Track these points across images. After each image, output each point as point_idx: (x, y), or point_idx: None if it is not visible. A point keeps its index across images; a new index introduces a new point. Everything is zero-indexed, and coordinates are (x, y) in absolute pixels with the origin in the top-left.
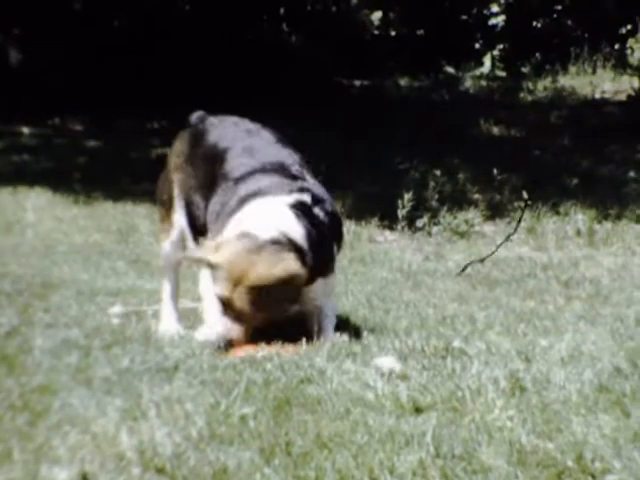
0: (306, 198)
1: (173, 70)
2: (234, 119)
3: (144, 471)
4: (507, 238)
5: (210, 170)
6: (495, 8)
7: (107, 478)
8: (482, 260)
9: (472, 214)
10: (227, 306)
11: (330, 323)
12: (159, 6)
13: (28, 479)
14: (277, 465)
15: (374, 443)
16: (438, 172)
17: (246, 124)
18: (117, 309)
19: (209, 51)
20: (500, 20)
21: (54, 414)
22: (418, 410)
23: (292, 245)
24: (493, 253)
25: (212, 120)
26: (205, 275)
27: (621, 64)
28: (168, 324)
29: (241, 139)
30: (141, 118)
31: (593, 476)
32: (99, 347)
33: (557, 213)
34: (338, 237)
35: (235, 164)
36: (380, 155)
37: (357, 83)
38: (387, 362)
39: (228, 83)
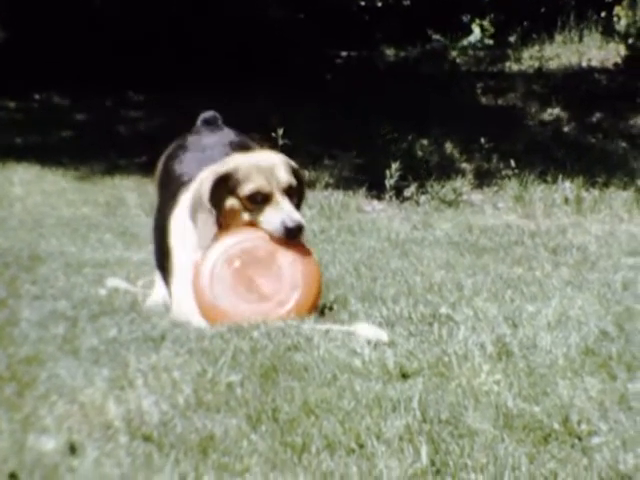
0: None
1: (156, 45)
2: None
3: (131, 439)
4: None
5: None
6: None
7: (95, 447)
8: None
9: (460, 183)
10: None
11: None
12: None
13: (16, 449)
14: (264, 432)
15: (361, 409)
16: (425, 142)
17: None
18: (111, 282)
19: (193, 25)
20: None
21: (41, 384)
22: (405, 376)
23: None
24: None
25: None
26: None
27: (608, 32)
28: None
29: None
30: (126, 92)
31: (579, 438)
32: (86, 318)
33: (545, 181)
34: None
35: None
36: (367, 126)
37: (344, 54)
38: (366, 330)
39: (213, 56)
